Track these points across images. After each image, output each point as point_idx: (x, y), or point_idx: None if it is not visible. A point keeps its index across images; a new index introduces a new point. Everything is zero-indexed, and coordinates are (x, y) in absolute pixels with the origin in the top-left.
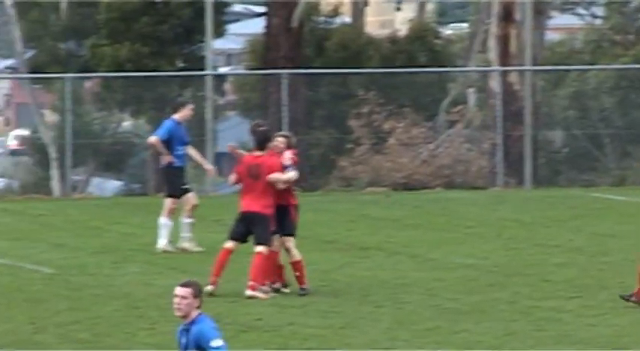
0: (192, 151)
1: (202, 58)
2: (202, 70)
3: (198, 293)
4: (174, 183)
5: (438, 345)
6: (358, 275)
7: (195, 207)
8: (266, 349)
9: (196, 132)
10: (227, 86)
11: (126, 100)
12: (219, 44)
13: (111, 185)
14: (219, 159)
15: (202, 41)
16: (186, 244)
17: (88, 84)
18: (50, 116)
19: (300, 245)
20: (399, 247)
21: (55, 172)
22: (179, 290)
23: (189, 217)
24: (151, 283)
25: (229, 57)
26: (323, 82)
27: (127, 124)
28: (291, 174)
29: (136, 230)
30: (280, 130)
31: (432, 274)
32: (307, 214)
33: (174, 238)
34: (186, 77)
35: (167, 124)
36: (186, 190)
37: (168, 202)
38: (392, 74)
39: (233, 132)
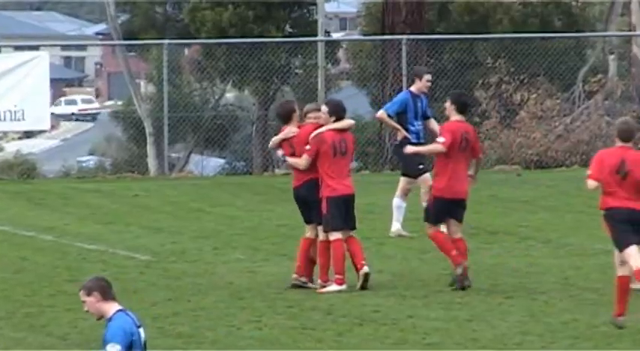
0: (433, 126)
1: (313, 22)
2: (313, 35)
3: (91, 291)
4: (408, 161)
5: (574, 340)
6: (486, 262)
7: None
8: (383, 344)
9: (307, 104)
10: (340, 54)
11: (229, 69)
12: (331, 7)
13: (212, 163)
14: None
15: (313, 4)
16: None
17: (187, 51)
18: (146, 87)
19: (422, 229)
20: (532, 231)
21: (151, 149)
22: (80, 296)
23: (405, 200)
24: (257, 271)
25: (343, 21)
26: (447, 49)
27: (230, 95)
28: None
29: (240, 213)
30: None
31: (567, 261)
32: None
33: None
34: (295, 44)
35: (400, 96)
36: (423, 170)
37: (403, 182)
38: (523, 40)
39: (347, 104)
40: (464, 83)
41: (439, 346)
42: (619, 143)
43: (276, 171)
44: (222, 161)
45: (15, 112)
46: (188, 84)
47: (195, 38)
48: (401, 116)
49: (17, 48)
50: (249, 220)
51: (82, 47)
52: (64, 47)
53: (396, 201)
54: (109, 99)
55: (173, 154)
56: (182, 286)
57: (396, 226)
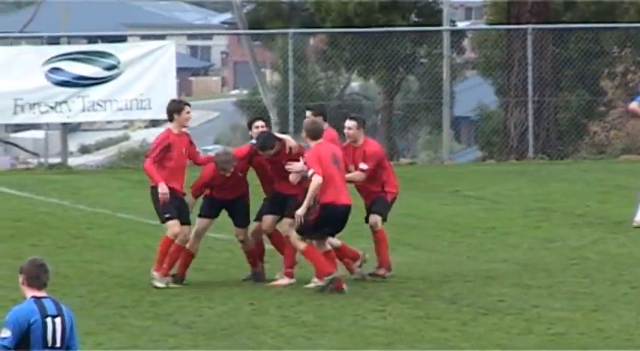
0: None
1: (439, 11)
2: (439, 25)
3: (21, 272)
4: None
5: None
6: (612, 252)
7: None
8: (508, 334)
9: (432, 94)
10: (466, 43)
11: (354, 58)
12: None
13: None
14: (458, 123)
15: None
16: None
17: (312, 41)
18: (271, 76)
19: (548, 219)
20: None
21: None
22: None
23: None
24: None
25: (468, 11)
26: (572, 39)
27: (355, 84)
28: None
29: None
30: (525, 91)
31: None
32: (555, 185)
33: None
34: (420, 33)
35: None
36: None
37: None
38: None
39: (472, 93)
40: (589, 73)
41: (564, 336)
42: (313, 141)
43: (401, 160)
44: None
45: (141, 100)
46: (313, 73)
47: (320, 27)
48: None
49: (144, 37)
50: None
51: (208, 36)
52: (190, 36)
53: None
54: (235, 88)
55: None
56: (307, 274)
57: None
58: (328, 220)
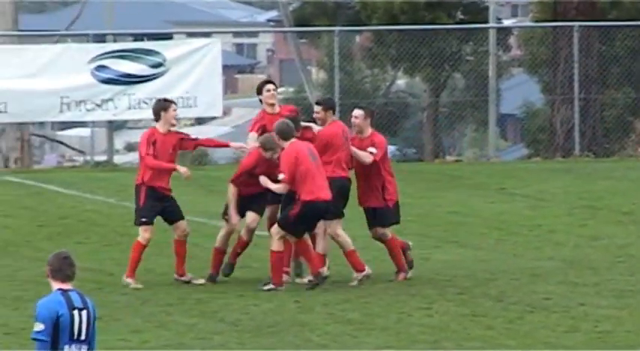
0: None
1: (484, 9)
2: (485, 22)
3: (47, 264)
4: None
5: None
6: None
7: None
8: (554, 332)
9: (478, 91)
10: (512, 40)
11: (400, 56)
12: None
13: None
14: (504, 121)
15: None
16: None
17: (358, 38)
18: (317, 74)
19: (594, 216)
20: None
21: None
22: None
23: None
24: (428, 258)
25: (514, 8)
26: (619, 36)
27: (401, 82)
28: None
29: (411, 200)
30: (571, 88)
31: None
32: (601, 183)
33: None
34: (466, 30)
35: None
36: None
37: None
38: None
39: (518, 91)
40: (636, 70)
41: (611, 334)
42: (286, 142)
43: (447, 158)
44: (392, 148)
45: (187, 98)
46: (359, 71)
47: (366, 25)
48: None
49: (190, 35)
50: (420, 207)
51: (254, 34)
52: (236, 34)
53: None
54: (280, 86)
55: None
56: (352, 272)
57: None
58: (309, 216)
